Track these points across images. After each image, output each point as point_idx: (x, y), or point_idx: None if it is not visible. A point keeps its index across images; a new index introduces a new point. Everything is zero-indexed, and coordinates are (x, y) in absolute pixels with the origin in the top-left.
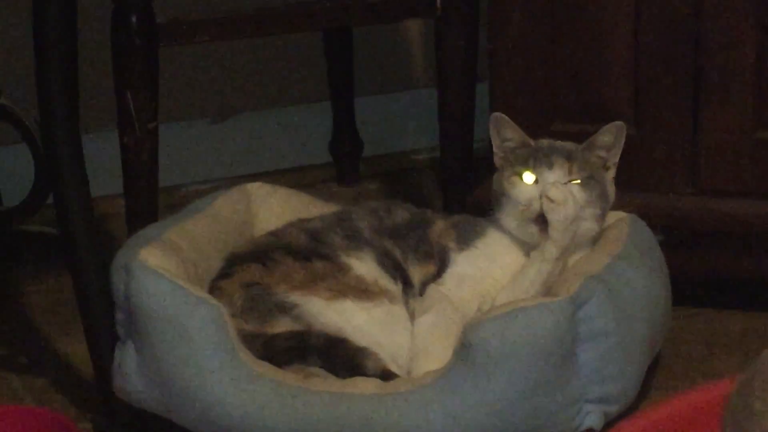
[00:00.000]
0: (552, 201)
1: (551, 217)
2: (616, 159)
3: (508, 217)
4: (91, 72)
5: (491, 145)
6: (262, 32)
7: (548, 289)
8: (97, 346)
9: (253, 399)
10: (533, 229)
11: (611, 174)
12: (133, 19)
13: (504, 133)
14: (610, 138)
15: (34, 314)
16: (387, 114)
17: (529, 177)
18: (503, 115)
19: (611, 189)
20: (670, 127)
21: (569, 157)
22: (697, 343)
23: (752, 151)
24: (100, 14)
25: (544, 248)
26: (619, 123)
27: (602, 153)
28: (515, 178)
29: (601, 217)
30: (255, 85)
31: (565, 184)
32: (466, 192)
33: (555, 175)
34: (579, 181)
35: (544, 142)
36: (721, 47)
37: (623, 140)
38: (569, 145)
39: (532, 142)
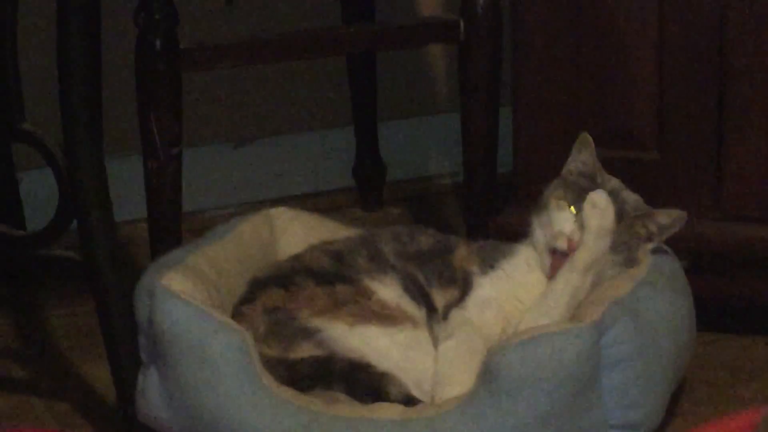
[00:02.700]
0: (594, 206)
1: (590, 221)
2: (662, 239)
3: (539, 234)
4: (115, 96)
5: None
6: (286, 57)
7: (573, 313)
8: (120, 370)
9: (276, 424)
10: (547, 259)
11: (649, 246)
12: (158, 44)
13: (582, 155)
14: (668, 221)
15: (57, 338)
16: (410, 139)
17: (574, 211)
18: (589, 138)
19: (642, 257)
20: (694, 153)
21: (621, 212)
22: (721, 369)
23: None
24: (124, 39)
25: (573, 258)
26: (682, 213)
27: (653, 228)
28: (563, 202)
29: (623, 269)
30: (278, 110)
31: None
32: (489, 217)
33: None
34: (612, 242)
35: (612, 183)
36: (744, 73)
37: (677, 229)
38: (629, 199)
39: (600, 178)
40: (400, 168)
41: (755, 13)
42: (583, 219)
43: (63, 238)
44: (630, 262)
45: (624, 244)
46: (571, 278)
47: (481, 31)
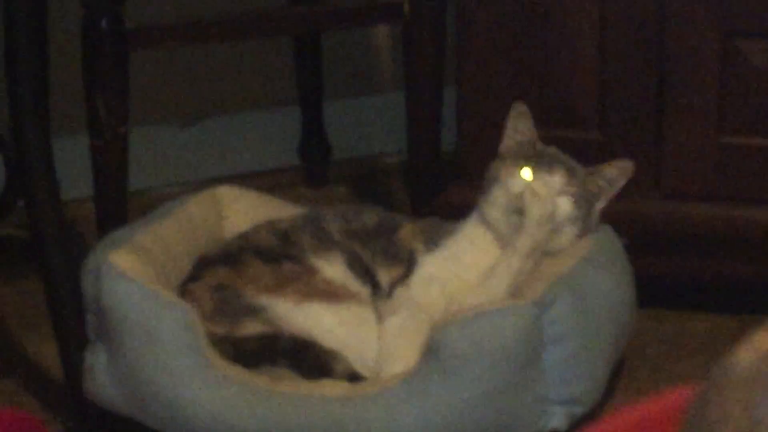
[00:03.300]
0: (535, 194)
1: (531, 209)
2: (612, 194)
3: (493, 207)
4: (61, 74)
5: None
6: (232, 37)
7: (516, 290)
8: (67, 348)
9: (222, 401)
10: (515, 219)
11: (601, 205)
12: (103, 23)
13: (520, 125)
14: (615, 172)
15: (4, 317)
16: (355, 118)
17: (527, 173)
18: (525, 108)
19: (595, 219)
20: (635, 132)
21: (570, 171)
22: (661, 344)
23: (716, 155)
24: (71, 18)
25: (516, 241)
26: (628, 163)
27: (602, 183)
28: (514, 170)
29: (581, 236)
30: (224, 89)
31: (559, 193)
32: (433, 196)
33: (551, 180)
34: (571, 195)
35: (552, 149)
36: (684, 53)
37: (625, 180)
38: (574, 162)
39: (539, 145)
40: (346, 147)
41: None
42: (525, 202)
43: (10, 217)
44: (587, 222)
45: (582, 199)
46: (513, 262)
47: (425, 10)
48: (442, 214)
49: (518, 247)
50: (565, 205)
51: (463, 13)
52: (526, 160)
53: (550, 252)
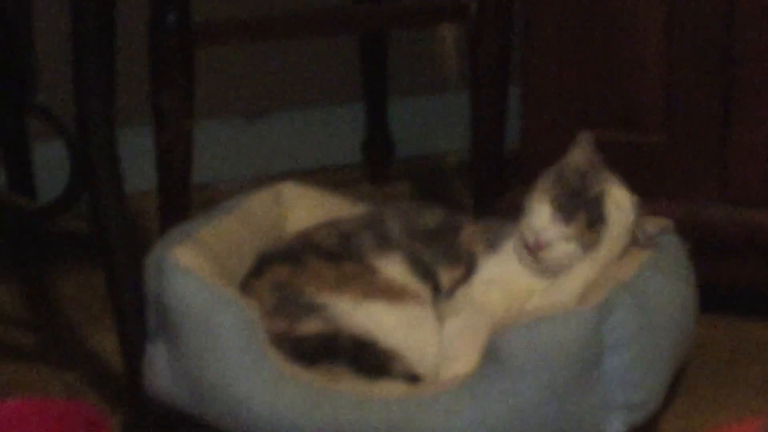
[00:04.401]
0: (618, 207)
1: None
2: (647, 247)
3: (522, 221)
4: (130, 67)
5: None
6: (297, 35)
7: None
8: (128, 342)
9: (280, 399)
10: (523, 247)
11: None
12: (170, 18)
13: (576, 154)
14: (655, 231)
15: (67, 310)
16: (420, 116)
17: (546, 212)
18: (586, 136)
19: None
20: (700, 137)
21: (591, 224)
22: (722, 351)
23: None
24: (139, 12)
25: (594, 253)
26: (669, 222)
27: (639, 235)
28: (545, 195)
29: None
30: (289, 85)
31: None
32: (496, 196)
33: (566, 232)
34: (575, 244)
35: (596, 189)
36: (752, 57)
37: (662, 238)
38: (612, 204)
39: (589, 180)
40: (410, 145)
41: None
42: (606, 216)
43: (74, 209)
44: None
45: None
46: (589, 271)
47: (491, 10)
48: (505, 215)
49: (597, 257)
50: (561, 251)
51: (530, 14)
52: (555, 197)
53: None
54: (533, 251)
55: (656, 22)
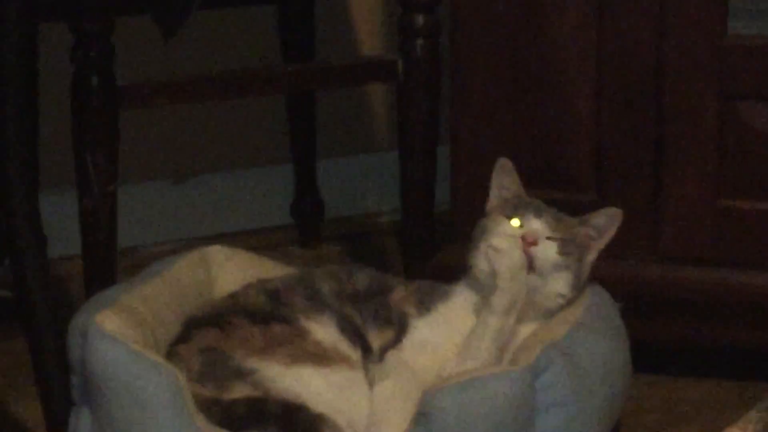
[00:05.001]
0: (496, 250)
1: (496, 266)
2: (602, 244)
3: (482, 262)
4: (53, 130)
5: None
6: (225, 96)
7: (501, 354)
8: (51, 410)
9: None
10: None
11: (592, 257)
12: (94, 80)
13: (504, 180)
14: (604, 220)
15: None
16: (349, 176)
17: (516, 222)
18: (509, 163)
19: (586, 269)
20: (632, 195)
21: (558, 218)
22: (657, 410)
23: (714, 219)
24: (61, 75)
25: (490, 302)
26: (617, 210)
27: (592, 232)
28: (502, 218)
29: (575, 288)
30: (216, 147)
31: (547, 238)
32: (427, 256)
33: (538, 224)
34: (557, 240)
35: (537, 201)
36: (682, 115)
37: (615, 228)
38: (560, 213)
39: (525, 198)
40: (339, 206)
41: (691, 57)
42: (490, 259)
43: None
44: (579, 271)
45: (572, 244)
46: (490, 321)
47: (420, 70)
48: (436, 275)
49: (494, 305)
50: (550, 250)
51: (458, 74)
52: (512, 211)
53: (546, 306)
54: (528, 245)
55: (586, 78)
